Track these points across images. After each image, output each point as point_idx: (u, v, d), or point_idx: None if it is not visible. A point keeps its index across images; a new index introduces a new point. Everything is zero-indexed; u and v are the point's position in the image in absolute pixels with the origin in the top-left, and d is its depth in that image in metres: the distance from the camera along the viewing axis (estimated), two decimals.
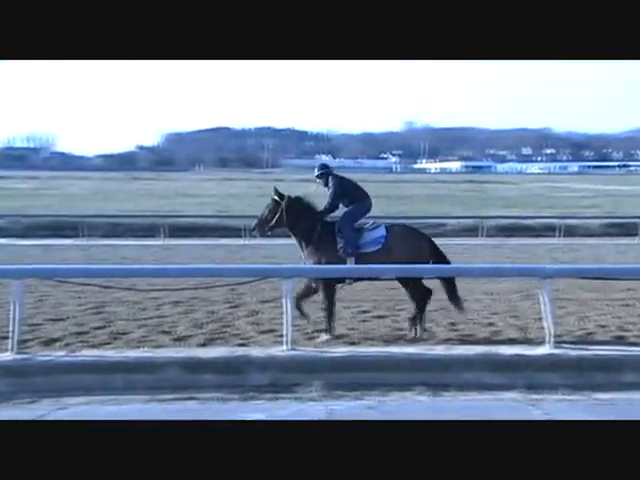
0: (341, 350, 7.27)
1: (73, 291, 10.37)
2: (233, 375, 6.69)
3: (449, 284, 8.25)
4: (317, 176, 8.63)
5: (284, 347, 7.15)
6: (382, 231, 8.18)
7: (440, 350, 7.25)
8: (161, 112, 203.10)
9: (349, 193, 8.45)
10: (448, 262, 8.38)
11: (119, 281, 9.82)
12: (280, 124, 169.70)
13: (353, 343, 7.78)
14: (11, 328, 7.01)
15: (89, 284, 9.08)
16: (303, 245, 8.32)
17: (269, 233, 8.59)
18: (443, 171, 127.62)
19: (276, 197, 8.33)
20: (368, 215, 8.52)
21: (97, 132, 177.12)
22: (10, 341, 6.95)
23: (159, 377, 6.66)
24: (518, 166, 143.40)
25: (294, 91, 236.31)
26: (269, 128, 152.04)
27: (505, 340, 7.93)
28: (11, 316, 7.06)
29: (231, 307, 9.83)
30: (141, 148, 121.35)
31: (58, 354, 6.99)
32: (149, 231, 23.53)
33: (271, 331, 8.24)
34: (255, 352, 7.09)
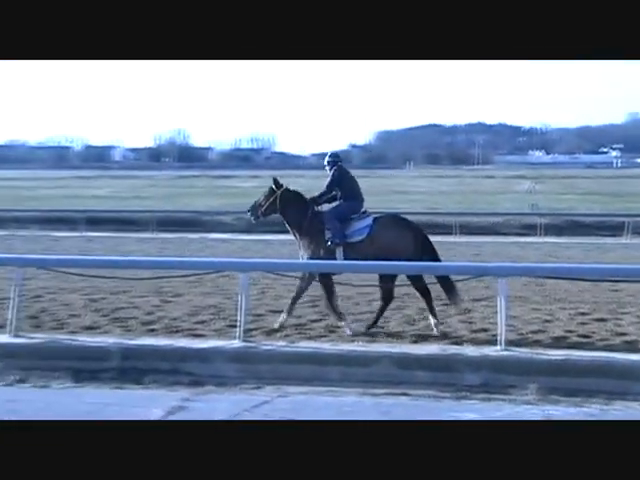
0: (558, 353, 6.99)
1: (292, 284, 10.88)
2: (445, 373, 6.69)
3: (444, 280, 8.25)
4: (326, 163, 8.97)
5: (498, 347, 7.01)
6: (368, 221, 8.38)
7: None
8: (373, 111, 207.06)
9: (343, 187, 8.68)
10: (437, 256, 8.45)
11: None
12: (491, 119, 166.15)
13: (571, 346, 7.44)
14: (238, 318, 7.56)
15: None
16: (297, 236, 8.67)
17: (261, 218, 8.97)
18: None
19: (273, 186, 8.77)
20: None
21: (313, 132, 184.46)
22: (237, 330, 7.49)
23: (372, 371, 6.83)
24: None
25: (506, 86, 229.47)
26: (480, 124, 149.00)
27: None
28: (238, 306, 7.62)
29: (443, 305, 9.78)
30: (354, 146, 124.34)
31: (279, 344, 7.40)
32: None
33: (484, 330, 8.11)
34: (468, 351, 7.03)
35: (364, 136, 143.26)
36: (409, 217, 9.68)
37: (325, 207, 8.93)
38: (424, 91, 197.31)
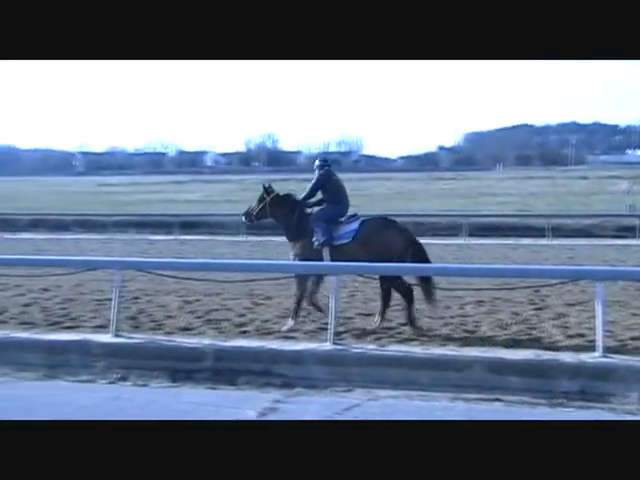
0: None
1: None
2: (540, 379, 6.53)
3: (425, 281, 8.31)
4: (315, 167, 9.16)
5: (596, 353, 6.79)
6: (355, 225, 8.55)
7: None
8: (462, 112, 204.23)
9: (328, 191, 8.89)
10: (427, 259, 8.48)
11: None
12: (585, 118, 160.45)
13: None
14: (329, 320, 7.62)
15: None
16: (288, 237, 9.01)
17: (255, 222, 9.50)
18: None
19: (264, 193, 9.17)
20: None
21: (401, 134, 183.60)
22: (328, 332, 7.54)
23: (464, 376, 6.73)
24: None
25: (600, 84, 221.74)
26: (573, 123, 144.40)
27: None
28: (330, 309, 7.67)
29: (536, 309, 9.56)
30: (442, 148, 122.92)
31: (369, 347, 7.40)
32: (451, 230, 23.81)
33: (580, 335, 7.86)
34: (564, 357, 6.83)
35: (452, 138, 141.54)
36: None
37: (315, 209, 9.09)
38: (514, 91, 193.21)
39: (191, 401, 6.17)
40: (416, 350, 7.27)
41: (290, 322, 8.51)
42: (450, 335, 8.07)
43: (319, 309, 8.71)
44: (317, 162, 9.22)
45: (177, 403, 6.11)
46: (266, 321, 8.95)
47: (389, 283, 8.54)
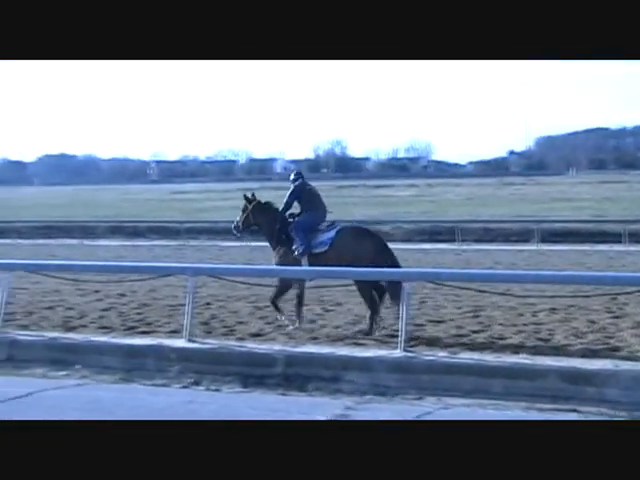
0: None
1: (452, 294, 10.80)
2: (619, 390, 6.33)
3: (394, 286, 8.33)
4: (290, 180, 9.51)
5: None
6: (332, 233, 8.90)
7: None
8: (533, 116, 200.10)
9: (303, 200, 9.28)
10: (397, 263, 8.84)
11: (493, 285, 9.90)
12: None
13: None
14: (399, 327, 7.59)
15: (466, 288, 9.42)
16: (272, 245, 9.37)
17: (241, 233, 9.89)
18: None
19: (245, 201, 9.58)
20: None
21: (470, 139, 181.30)
22: (398, 339, 7.51)
23: (538, 385, 6.59)
24: None
25: None
26: None
27: None
28: (399, 316, 7.65)
29: (613, 317, 9.29)
30: (512, 153, 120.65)
31: (440, 355, 7.33)
32: (522, 236, 23.41)
33: None
34: None
35: (523, 142, 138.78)
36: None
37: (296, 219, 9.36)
38: (588, 94, 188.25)
39: (262, 407, 6.25)
40: (488, 358, 7.16)
41: (281, 318, 9.02)
42: (523, 343, 7.93)
43: (299, 314, 9.01)
44: (292, 176, 9.63)
45: (249, 408, 6.19)
46: (336, 327, 8.98)
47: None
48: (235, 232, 9.93)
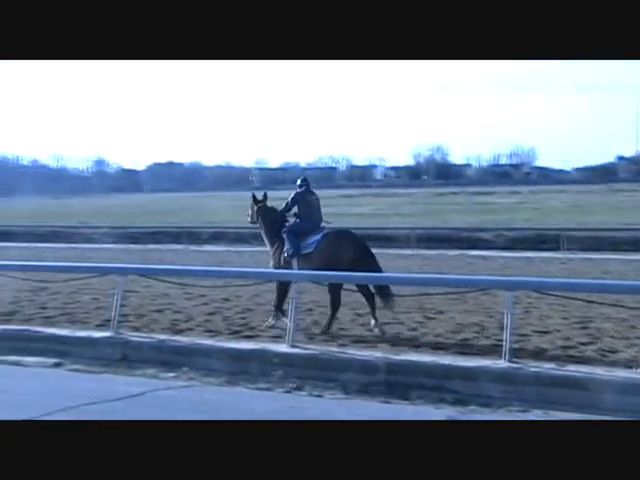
0: None
1: (557, 304, 10.49)
2: None
3: (383, 289, 9.08)
4: (297, 185, 10.09)
5: None
6: (318, 236, 9.44)
7: None
8: None
9: (300, 208, 9.89)
10: (378, 266, 9.27)
11: (602, 296, 9.54)
12: None
13: None
14: (504, 337, 7.44)
15: (573, 298, 9.13)
16: (270, 245, 9.98)
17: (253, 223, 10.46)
18: None
19: (252, 201, 10.39)
20: None
21: (576, 144, 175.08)
22: (503, 349, 7.36)
23: None
24: None
25: None
26: None
27: None
28: (504, 325, 7.50)
29: None
30: (621, 158, 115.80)
31: (547, 366, 7.13)
32: (633, 245, 22.44)
33: None
34: None
35: (633, 147, 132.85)
36: None
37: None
38: None
39: (365, 414, 6.27)
40: (598, 371, 6.91)
41: (271, 321, 9.55)
42: (636, 357, 7.60)
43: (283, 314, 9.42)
44: (298, 182, 10.19)
45: (351, 415, 6.22)
46: (438, 336, 8.90)
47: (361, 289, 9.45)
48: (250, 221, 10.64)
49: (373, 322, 9.21)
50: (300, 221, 9.88)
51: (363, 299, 9.82)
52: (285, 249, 9.61)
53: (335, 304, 9.32)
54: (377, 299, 9.28)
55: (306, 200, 9.98)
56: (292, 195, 10.01)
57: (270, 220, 10.09)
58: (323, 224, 9.95)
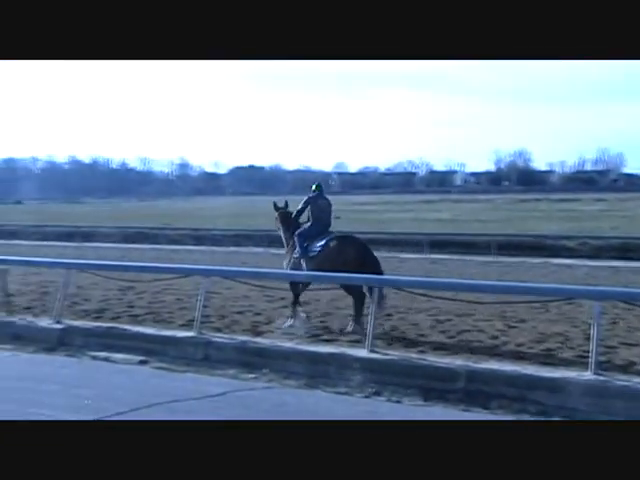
0: None
1: None
2: None
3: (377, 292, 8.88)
4: (311, 190, 10.59)
5: None
6: (323, 240, 9.96)
7: None
8: None
9: (311, 212, 10.40)
10: (380, 269, 9.63)
11: None
12: None
13: None
14: (590, 348, 7.22)
15: None
16: (286, 247, 10.64)
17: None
18: None
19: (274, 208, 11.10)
20: None
21: None
22: (589, 361, 7.15)
23: None
24: None
25: None
26: None
27: None
28: (590, 336, 7.28)
29: None
30: None
31: (636, 380, 6.89)
32: None
33: None
34: None
35: None
36: None
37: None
38: None
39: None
40: None
41: (290, 321, 9.91)
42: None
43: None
44: (312, 187, 10.70)
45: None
46: (520, 345, 8.72)
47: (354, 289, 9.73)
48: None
49: (351, 323, 9.59)
50: (310, 225, 10.40)
51: (445, 305, 9.78)
52: (295, 251, 10.28)
53: (359, 298, 9.65)
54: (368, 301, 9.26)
55: (317, 204, 10.50)
56: (304, 199, 10.58)
57: (287, 224, 10.78)
58: (334, 217, 10.70)
